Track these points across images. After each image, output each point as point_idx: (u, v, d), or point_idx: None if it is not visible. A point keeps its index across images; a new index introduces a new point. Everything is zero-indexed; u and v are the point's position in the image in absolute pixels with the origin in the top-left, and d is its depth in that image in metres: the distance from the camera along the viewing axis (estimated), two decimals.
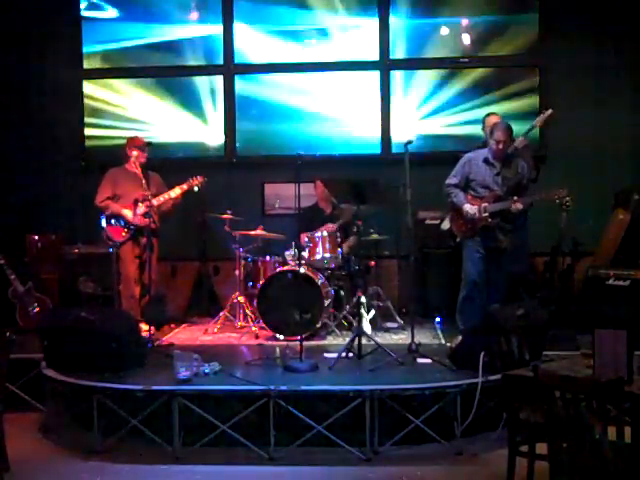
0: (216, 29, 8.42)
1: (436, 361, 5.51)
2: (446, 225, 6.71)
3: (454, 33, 8.27)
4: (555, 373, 3.68)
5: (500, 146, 6.03)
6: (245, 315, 7.07)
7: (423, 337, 6.48)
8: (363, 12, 8.30)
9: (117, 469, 4.79)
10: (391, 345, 6.02)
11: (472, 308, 6.10)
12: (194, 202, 7.45)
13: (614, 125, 7.90)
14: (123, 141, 7.18)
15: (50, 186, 8.32)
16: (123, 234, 6.81)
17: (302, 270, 6.43)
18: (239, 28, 8.42)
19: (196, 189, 6.97)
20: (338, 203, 6.96)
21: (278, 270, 6.79)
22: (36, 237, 7.70)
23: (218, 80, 8.46)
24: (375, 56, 8.30)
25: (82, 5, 8.48)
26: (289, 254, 7.03)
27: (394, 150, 8.14)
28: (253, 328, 6.84)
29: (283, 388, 4.89)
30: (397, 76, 8.33)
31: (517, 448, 4.06)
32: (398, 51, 8.32)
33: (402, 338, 6.60)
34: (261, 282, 6.80)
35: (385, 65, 8.30)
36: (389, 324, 7.12)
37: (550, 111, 6.63)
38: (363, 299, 6.69)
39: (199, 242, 8.26)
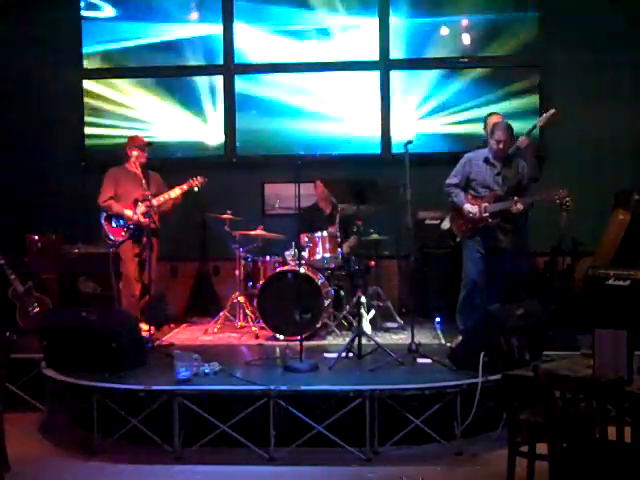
0: (216, 29, 8.43)
1: (436, 361, 5.51)
2: (446, 225, 6.71)
3: (454, 33, 8.27)
4: (555, 373, 3.68)
5: (500, 146, 6.03)
6: (245, 315, 7.07)
7: (423, 337, 6.48)
8: (363, 12, 8.31)
9: (117, 469, 4.79)
10: (391, 345, 6.03)
11: (472, 308, 6.10)
12: (194, 202, 7.44)
13: (614, 125, 7.90)
14: (123, 141, 7.18)
15: (50, 186, 8.32)
16: (123, 233, 6.81)
17: (302, 270, 6.43)
18: (239, 28, 8.42)
19: (196, 189, 6.97)
20: (338, 203, 6.96)
21: (278, 270, 6.79)
22: (36, 237, 7.70)
23: (218, 80, 8.47)
24: (375, 56, 8.31)
25: (82, 5, 8.48)
26: (289, 254, 7.03)
27: (394, 150, 8.14)
28: (253, 328, 6.84)
29: (283, 388, 4.89)
30: (397, 76, 8.33)
31: (517, 448, 4.06)
32: (398, 51, 8.32)
33: (402, 338, 6.61)
34: (261, 282, 6.81)
35: (385, 65, 8.30)
36: (389, 324, 7.13)
37: (553, 111, 6.61)
38: (363, 299, 6.70)
39: (199, 242, 8.26)
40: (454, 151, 7.38)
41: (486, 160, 6.14)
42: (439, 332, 6.85)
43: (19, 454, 4.73)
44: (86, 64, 8.51)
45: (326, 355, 5.91)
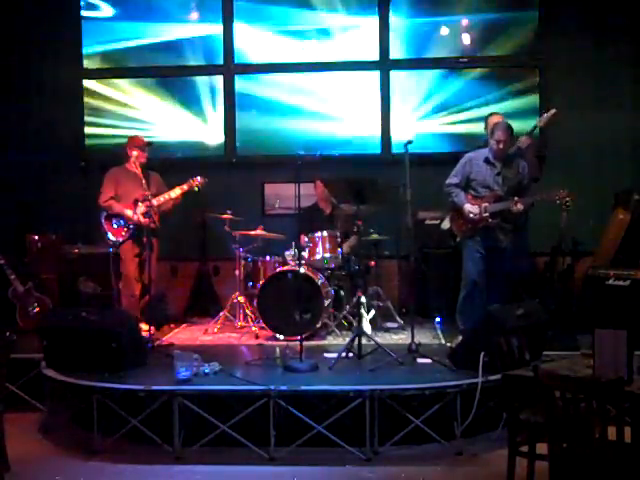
0: (216, 29, 8.43)
1: (436, 361, 5.51)
2: (446, 225, 6.71)
3: (454, 33, 8.28)
4: (555, 373, 3.68)
5: (500, 146, 6.03)
6: (245, 315, 7.07)
7: (423, 337, 6.48)
8: (363, 12, 8.31)
9: (117, 469, 4.79)
10: (391, 345, 6.03)
11: (472, 308, 6.10)
12: (194, 202, 7.45)
13: (614, 125, 7.90)
14: (123, 141, 7.18)
15: (50, 186, 8.32)
16: (123, 233, 6.81)
17: (302, 270, 6.43)
18: (239, 28, 8.42)
19: (196, 189, 6.97)
20: (338, 203, 6.96)
21: (278, 270, 6.79)
22: (36, 237, 7.70)
23: (218, 80, 8.47)
24: (375, 56, 8.31)
25: (82, 5, 8.48)
26: (289, 254, 7.03)
27: (394, 150, 8.14)
28: (253, 328, 6.84)
29: (283, 388, 4.89)
30: (397, 76, 8.33)
31: (517, 448, 4.06)
32: (398, 51, 8.32)
33: (402, 338, 6.61)
34: (261, 282, 6.81)
35: (385, 65, 8.30)
36: (389, 324, 7.13)
37: (553, 111, 6.59)
38: (363, 299, 6.69)
39: (199, 242, 8.26)
40: (454, 151, 7.39)
41: (486, 160, 6.14)
42: (439, 332, 6.85)
43: (19, 454, 4.73)
44: (86, 64, 8.52)
45: (326, 355, 5.91)
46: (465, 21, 8.28)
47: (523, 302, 5.69)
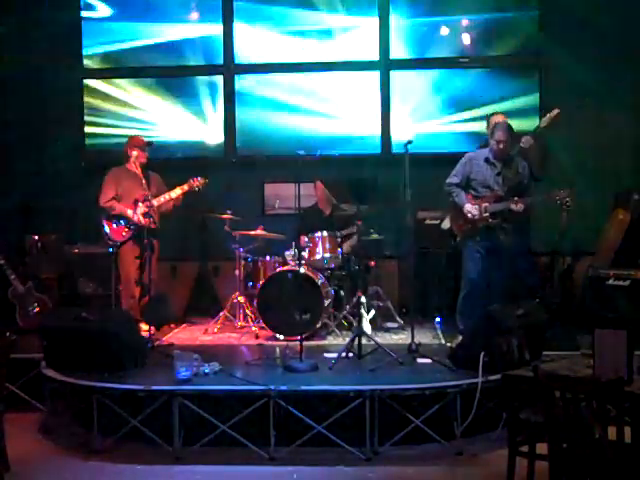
0: (216, 29, 8.43)
1: (436, 361, 5.51)
2: (446, 224, 6.71)
3: (454, 32, 8.27)
4: (555, 373, 3.68)
5: (500, 146, 6.04)
6: (245, 315, 7.07)
7: (423, 337, 6.47)
8: (363, 12, 8.30)
9: (117, 469, 4.79)
10: (391, 345, 6.02)
11: (472, 308, 6.10)
12: (194, 202, 7.44)
13: (614, 125, 7.89)
14: (123, 140, 7.17)
15: (50, 186, 8.31)
16: (124, 234, 6.80)
17: (302, 270, 6.43)
18: (239, 28, 8.42)
19: (197, 189, 6.97)
20: (338, 203, 6.96)
21: (278, 270, 6.79)
22: (36, 237, 7.70)
23: (218, 80, 8.47)
24: (375, 56, 8.30)
25: (82, 5, 8.48)
26: (289, 254, 7.03)
27: (394, 150, 8.14)
28: (253, 328, 6.84)
29: (283, 388, 4.89)
30: (397, 76, 8.33)
31: (517, 448, 4.06)
32: (398, 51, 8.31)
33: (402, 338, 6.61)
34: (261, 282, 6.80)
35: (385, 65, 8.30)
36: (389, 324, 7.12)
37: (556, 111, 6.55)
38: (363, 299, 6.69)
39: (199, 242, 8.26)
40: (454, 151, 7.38)
41: (487, 160, 6.14)
42: (439, 332, 6.85)
43: (19, 454, 4.73)
44: (86, 64, 8.51)
45: (326, 355, 5.91)
46: (465, 21, 8.27)
47: (523, 302, 5.69)
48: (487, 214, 6.06)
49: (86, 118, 8.52)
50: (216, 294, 8.11)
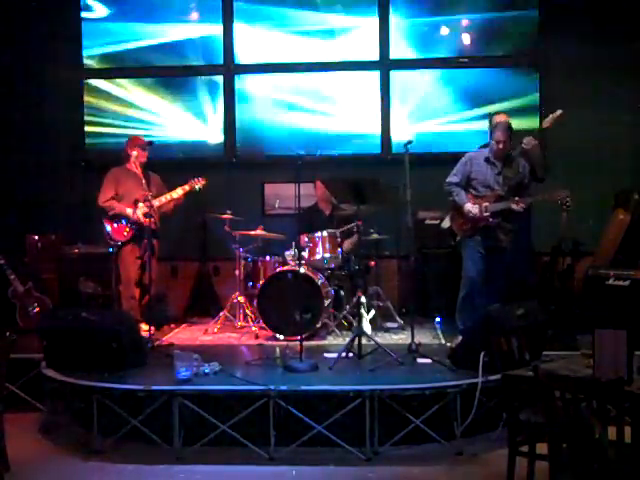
0: (216, 29, 8.42)
1: (436, 361, 5.51)
2: (446, 224, 6.70)
3: (454, 32, 8.27)
4: (555, 373, 3.68)
5: (500, 146, 6.04)
6: (245, 315, 7.07)
7: (423, 337, 6.48)
8: (363, 12, 8.30)
9: (117, 469, 4.79)
10: (391, 345, 6.03)
11: (472, 308, 6.10)
12: (194, 202, 7.44)
13: (614, 125, 7.89)
14: (123, 140, 7.17)
15: (50, 186, 8.32)
16: (125, 233, 6.80)
17: (302, 270, 6.43)
18: (239, 28, 8.42)
19: (197, 189, 6.97)
20: (338, 203, 6.96)
21: (278, 270, 6.79)
22: (36, 237, 7.70)
23: (218, 80, 8.47)
24: (375, 56, 8.30)
25: (82, 6, 8.48)
26: (289, 254, 7.03)
27: (394, 150, 8.14)
28: (253, 328, 6.84)
29: (283, 388, 4.89)
30: (397, 76, 8.33)
31: (517, 448, 4.06)
32: (398, 51, 8.31)
33: (402, 338, 6.61)
34: (261, 282, 6.81)
35: (385, 65, 8.30)
36: (389, 324, 7.12)
37: (560, 112, 6.52)
38: (363, 299, 6.69)
39: (199, 242, 8.26)
40: (454, 151, 7.37)
41: (487, 160, 6.15)
42: (439, 332, 6.85)
43: (19, 454, 4.73)
44: (86, 64, 8.51)
45: (326, 355, 5.91)
46: (465, 21, 8.27)
47: (523, 302, 5.69)
48: (487, 214, 6.06)
49: (86, 118, 8.52)
50: (216, 294, 8.12)
